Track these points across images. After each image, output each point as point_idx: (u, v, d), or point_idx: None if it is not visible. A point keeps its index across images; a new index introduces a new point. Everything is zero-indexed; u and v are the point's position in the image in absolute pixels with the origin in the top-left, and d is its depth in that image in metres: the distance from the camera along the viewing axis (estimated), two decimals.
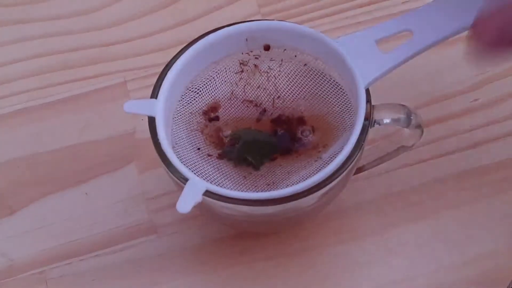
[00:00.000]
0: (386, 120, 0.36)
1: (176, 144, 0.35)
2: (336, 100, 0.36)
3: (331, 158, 0.33)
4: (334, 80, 0.36)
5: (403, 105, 0.36)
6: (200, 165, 0.35)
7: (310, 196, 0.34)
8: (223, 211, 0.35)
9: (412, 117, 0.36)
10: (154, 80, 0.36)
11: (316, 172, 0.33)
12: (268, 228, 0.42)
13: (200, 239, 0.42)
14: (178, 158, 0.33)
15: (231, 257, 0.41)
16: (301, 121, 0.37)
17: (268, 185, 0.34)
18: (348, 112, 0.35)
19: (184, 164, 0.33)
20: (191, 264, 0.41)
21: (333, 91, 0.37)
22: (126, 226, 0.42)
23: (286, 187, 0.33)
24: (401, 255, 0.41)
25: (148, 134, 0.35)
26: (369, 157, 0.39)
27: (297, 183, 0.33)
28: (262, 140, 0.36)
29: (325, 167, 0.32)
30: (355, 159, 0.35)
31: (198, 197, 0.31)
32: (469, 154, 0.43)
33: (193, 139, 0.36)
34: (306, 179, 0.32)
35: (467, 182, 0.43)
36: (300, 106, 0.37)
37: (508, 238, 0.41)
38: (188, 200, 0.31)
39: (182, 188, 0.35)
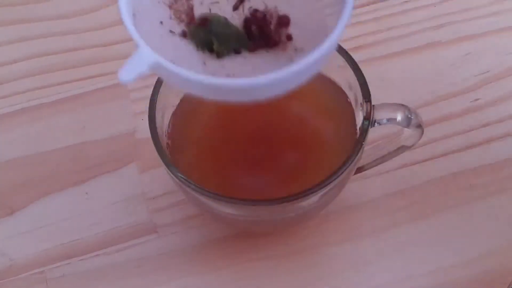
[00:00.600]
0: (386, 120, 0.36)
1: (137, 12, 0.32)
2: (326, 6, 0.33)
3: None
4: None
5: (403, 105, 0.36)
6: (158, 40, 0.32)
7: (310, 196, 0.34)
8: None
9: (412, 117, 0.36)
10: (154, 79, 0.36)
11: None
12: (268, 228, 0.42)
13: (200, 239, 0.42)
14: (135, 26, 0.30)
15: (231, 257, 0.41)
16: (280, 19, 0.32)
17: (228, 75, 0.31)
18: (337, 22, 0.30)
19: (141, 35, 0.29)
20: (191, 264, 0.41)
21: None
22: (126, 226, 0.42)
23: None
24: (401, 255, 0.41)
25: (148, 134, 0.35)
26: (369, 157, 0.39)
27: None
28: (233, 30, 0.33)
29: (294, 64, 0.28)
30: (355, 159, 0.35)
31: (144, 68, 0.28)
32: (469, 154, 0.44)
33: (158, 11, 0.32)
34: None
35: (467, 181, 0.43)
36: (283, 3, 0.33)
37: (508, 238, 0.41)
38: (133, 68, 0.28)
39: (183, 189, 0.36)
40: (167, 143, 0.37)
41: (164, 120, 0.37)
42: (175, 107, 0.38)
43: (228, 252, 0.41)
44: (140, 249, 0.42)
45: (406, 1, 0.50)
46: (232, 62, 0.32)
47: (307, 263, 0.41)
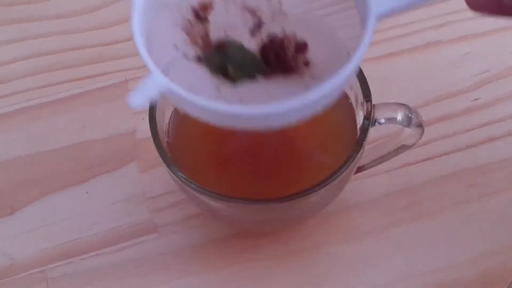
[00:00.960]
0: (387, 119, 0.36)
1: (152, 35, 0.30)
2: (345, 33, 0.32)
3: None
4: (349, 10, 0.32)
5: (403, 105, 0.36)
6: (172, 64, 0.31)
7: (310, 196, 0.34)
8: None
9: (412, 116, 0.36)
10: None
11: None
12: (268, 228, 0.42)
13: (200, 239, 0.42)
14: (148, 50, 0.29)
15: (231, 257, 0.41)
16: (298, 45, 0.32)
17: (241, 102, 0.30)
18: (356, 49, 0.29)
19: (154, 59, 0.29)
20: (191, 264, 0.41)
21: (344, 22, 0.32)
22: (126, 225, 0.42)
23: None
24: (401, 255, 0.41)
25: (148, 134, 0.35)
26: (370, 157, 0.39)
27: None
28: (249, 55, 0.32)
29: (310, 92, 0.27)
30: (356, 159, 0.35)
31: (155, 93, 0.27)
32: (469, 153, 0.44)
33: (173, 34, 0.32)
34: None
35: (467, 181, 0.43)
36: (302, 29, 0.32)
37: (508, 238, 0.41)
38: (143, 93, 0.27)
39: (183, 188, 0.36)
40: (167, 142, 0.37)
41: (164, 119, 0.37)
42: (174, 106, 0.38)
43: (228, 252, 0.41)
44: (140, 249, 0.41)
45: None
46: (246, 88, 0.31)
47: (307, 263, 0.41)
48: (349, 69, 0.28)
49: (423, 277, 0.40)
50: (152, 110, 0.35)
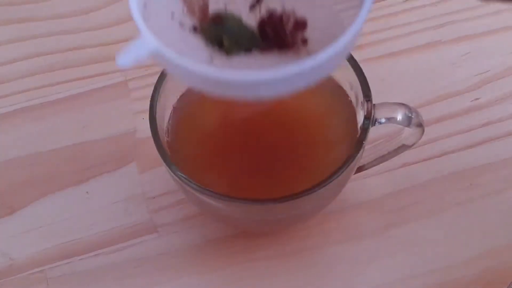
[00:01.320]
0: (387, 119, 0.36)
1: (149, 1, 0.30)
2: (347, 14, 0.31)
3: None
4: None
5: (404, 104, 0.36)
6: (166, 31, 0.30)
7: (310, 196, 0.34)
8: None
9: (412, 116, 0.36)
10: (154, 79, 0.36)
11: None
12: (268, 228, 0.42)
13: (200, 239, 0.42)
14: (144, 14, 0.28)
15: (231, 257, 0.41)
16: (297, 22, 0.31)
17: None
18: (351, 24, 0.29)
19: (149, 25, 0.28)
20: (191, 264, 0.41)
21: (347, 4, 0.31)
22: (126, 225, 0.42)
23: None
24: (401, 255, 0.41)
25: (148, 134, 0.35)
26: (370, 157, 0.39)
27: None
28: (247, 30, 0.31)
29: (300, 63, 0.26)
30: (356, 158, 0.35)
31: (144, 53, 0.27)
32: (469, 153, 0.44)
33: (171, 4, 0.31)
34: None
35: (467, 181, 0.43)
36: (303, 8, 0.31)
37: (508, 238, 0.41)
38: (132, 53, 0.27)
39: (183, 188, 0.36)
40: (167, 142, 0.37)
41: (164, 119, 0.37)
42: (175, 106, 0.38)
43: (228, 252, 0.41)
44: (140, 249, 0.41)
45: (406, 0, 0.50)
46: (240, 61, 0.30)
47: (307, 263, 0.41)
48: (341, 44, 0.27)
49: (423, 277, 0.40)
50: (152, 110, 0.35)
